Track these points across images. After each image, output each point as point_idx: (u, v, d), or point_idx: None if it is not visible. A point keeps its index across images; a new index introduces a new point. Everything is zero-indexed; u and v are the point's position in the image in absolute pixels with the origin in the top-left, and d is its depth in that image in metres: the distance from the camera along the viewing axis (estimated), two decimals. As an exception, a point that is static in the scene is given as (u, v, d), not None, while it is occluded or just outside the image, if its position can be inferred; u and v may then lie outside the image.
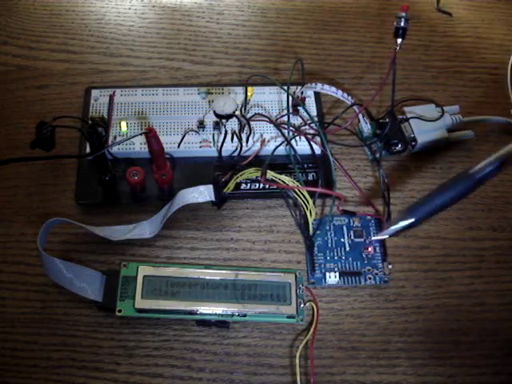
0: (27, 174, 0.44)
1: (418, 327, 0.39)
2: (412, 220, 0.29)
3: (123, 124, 0.44)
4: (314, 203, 0.42)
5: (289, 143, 0.44)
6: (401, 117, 0.46)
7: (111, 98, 0.46)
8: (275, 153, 0.44)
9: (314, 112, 0.47)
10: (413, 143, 0.46)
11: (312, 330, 0.37)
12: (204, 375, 0.37)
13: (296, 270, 0.39)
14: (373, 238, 0.31)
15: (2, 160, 0.38)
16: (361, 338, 0.39)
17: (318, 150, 0.45)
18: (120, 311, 0.37)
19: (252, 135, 0.45)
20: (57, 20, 0.54)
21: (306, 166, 0.44)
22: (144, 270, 0.38)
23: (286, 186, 0.42)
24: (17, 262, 0.40)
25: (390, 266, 0.41)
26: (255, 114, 0.45)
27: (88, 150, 0.42)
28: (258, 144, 0.45)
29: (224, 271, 0.39)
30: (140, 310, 0.37)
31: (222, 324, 0.38)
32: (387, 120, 0.45)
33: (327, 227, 0.42)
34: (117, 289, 0.37)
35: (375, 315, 0.40)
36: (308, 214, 0.42)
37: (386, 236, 0.30)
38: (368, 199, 0.43)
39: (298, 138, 0.45)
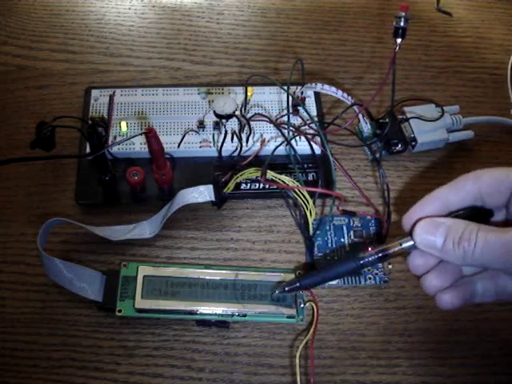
0: (27, 173, 0.44)
1: (418, 327, 0.39)
2: (297, 285, 0.35)
3: (123, 124, 0.44)
4: (314, 203, 0.42)
5: (289, 143, 0.44)
6: (401, 117, 0.46)
7: (111, 98, 0.46)
8: (275, 153, 0.44)
9: (314, 112, 0.47)
10: (413, 143, 0.46)
11: (312, 330, 0.37)
12: (204, 375, 0.37)
13: (296, 270, 0.39)
14: (274, 294, 0.37)
15: (2, 160, 0.38)
16: (361, 338, 0.39)
17: (318, 150, 0.45)
18: (120, 311, 0.37)
19: (252, 135, 0.45)
20: (57, 20, 0.54)
21: (306, 165, 0.44)
22: (144, 270, 0.38)
23: (286, 186, 0.42)
24: (17, 261, 0.40)
25: (389, 266, 0.40)
26: (255, 114, 0.45)
27: (88, 149, 0.42)
28: (258, 144, 0.45)
29: (224, 271, 0.39)
30: (140, 310, 0.37)
31: (222, 324, 0.38)
32: (387, 120, 0.45)
33: (327, 227, 0.42)
34: (117, 289, 0.37)
35: (375, 315, 0.40)
36: (308, 213, 0.42)
37: (280, 291, 0.36)
38: (368, 199, 0.43)
39: (297, 137, 0.45)
